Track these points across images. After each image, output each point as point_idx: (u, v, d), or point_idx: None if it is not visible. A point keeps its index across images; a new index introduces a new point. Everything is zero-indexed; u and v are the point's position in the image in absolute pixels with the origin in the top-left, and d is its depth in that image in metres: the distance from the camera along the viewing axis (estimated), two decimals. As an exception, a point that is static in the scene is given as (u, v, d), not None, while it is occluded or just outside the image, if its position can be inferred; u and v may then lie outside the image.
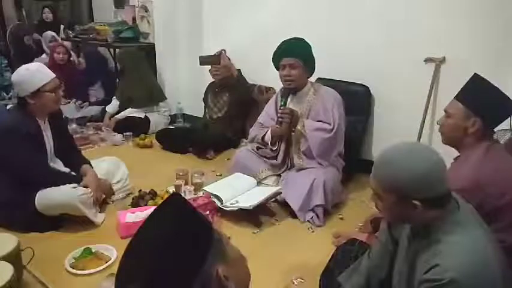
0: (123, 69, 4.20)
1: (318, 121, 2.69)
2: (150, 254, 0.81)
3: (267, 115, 2.94)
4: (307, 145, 2.66)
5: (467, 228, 1.17)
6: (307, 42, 2.73)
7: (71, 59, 4.61)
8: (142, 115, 4.17)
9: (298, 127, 2.68)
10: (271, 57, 2.75)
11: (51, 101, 2.34)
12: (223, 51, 3.72)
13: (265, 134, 2.83)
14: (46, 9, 5.63)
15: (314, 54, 2.72)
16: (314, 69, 2.77)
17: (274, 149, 2.82)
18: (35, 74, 2.29)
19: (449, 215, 1.18)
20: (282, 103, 2.71)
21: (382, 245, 1.51)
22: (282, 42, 2.73)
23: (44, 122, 2.42)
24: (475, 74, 1.70)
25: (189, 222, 0.84)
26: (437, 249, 1.15)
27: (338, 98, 2.74)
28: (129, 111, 4.16)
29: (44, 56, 4.90)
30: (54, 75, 2.36)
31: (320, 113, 2.70)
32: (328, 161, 2.68)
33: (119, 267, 0.84)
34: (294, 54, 2.66)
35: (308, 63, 2.70)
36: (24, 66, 2.33)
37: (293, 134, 2.71)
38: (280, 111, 2.69)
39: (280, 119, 2.68)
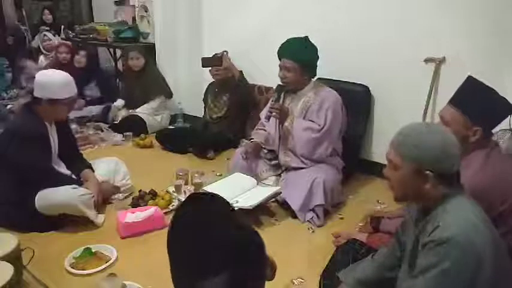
0: (144, 66, 4.19)
1: (310, 121, 2.69)
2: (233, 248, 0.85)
3: (265, 110, 2.94)
4: (293, 143, 2.66)
5: (466, 205, 1.26)
6: (310, 43, 2.70)
7: (82, 58, 4.57)
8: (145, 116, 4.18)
9: (286, 124, 2.68)
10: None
11: (62, 112, 2.42)
12: (225, 53, 3.72)
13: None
14: (46, 11, 5.63)
15: (315, 55, 2.72)
16: (315, 71, 2.75)
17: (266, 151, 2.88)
18: (64, 85, 2.35)
19: (453, 197, 1.25)
20: (274, 98, 2.71)
21: (390, 248, 1.54)
22: (286, 40, 2.71)
23: (51, 125, 2.45)
24: (468, 76, 1.67)
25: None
26: (439, 217, 1.23)
27: (336, 99, 2.70)
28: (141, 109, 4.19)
29: (42, 57, 4.89)
30: (76, 91, 2.43)
31: (314, 113, 2.68)
32: (311, 160, 2.67)
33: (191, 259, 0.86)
34: (292, 56, 2.63)
35: (307, 66, 2.67)
36: (56, 72, 2.40)
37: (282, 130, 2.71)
38: (270, 105, 2.69)
39: (269, 113, 2.67)
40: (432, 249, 1.19)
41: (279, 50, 2.73)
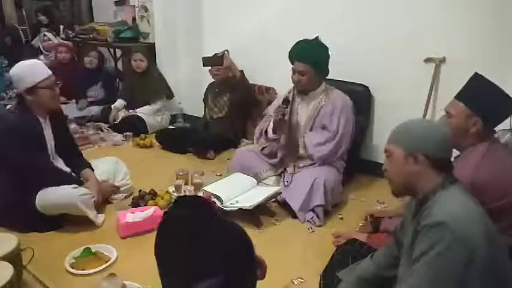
0: (146, 68, 4.19)
1: (322, 125, 2.70)
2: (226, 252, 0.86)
3: (272, 107, 2.95)
4: (308, 153, 2.69)
5: (461, 196, 1.29)
6: (321, 44, 2.68)
7: (94, 58, 4.53)
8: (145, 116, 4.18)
9: (300, 142, 2.70)
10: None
11: (47, 98, 2.34)
12: (226, 52, 3.71)
13: (267, 126, 2.84)
14: (38, 13, 5.64)
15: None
16: (327, 72, 2.75)
17: (276, 138, 2.81)
18: (31, 69, 2.31)
19: (448, 187, 1.28)
20: (283, 106, 2.69)
21: (388, 247, 1.54)
22: (297, 42, 2.70)
23: (45, 120, 2.43)
24: (475, 72, 1.70)
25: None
26: (434, 205, 1.26)
27: (346, 103, 2.72)
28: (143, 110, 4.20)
29: (42, 57, 4.89)
30: (50, 72, 2.37)
31: (326, 116, 2.69)
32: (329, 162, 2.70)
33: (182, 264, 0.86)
34: (305, 59, 2.62)
35: (320, 68, 2.66)
36: (21, 62, 2.35)
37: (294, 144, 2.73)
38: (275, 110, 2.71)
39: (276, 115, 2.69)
40: (426, 234, 1.21)
41: (290, 53, 2.70)
